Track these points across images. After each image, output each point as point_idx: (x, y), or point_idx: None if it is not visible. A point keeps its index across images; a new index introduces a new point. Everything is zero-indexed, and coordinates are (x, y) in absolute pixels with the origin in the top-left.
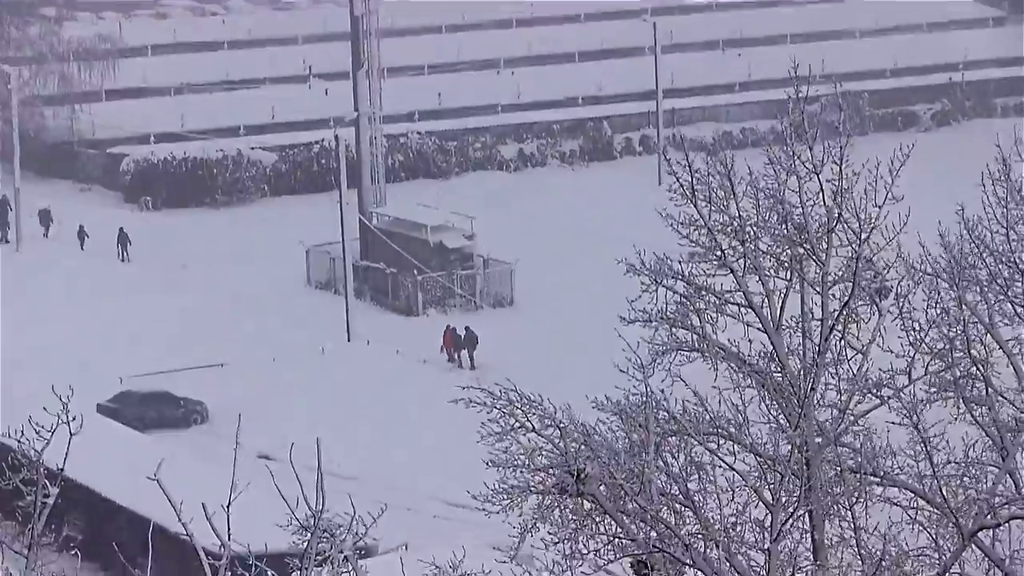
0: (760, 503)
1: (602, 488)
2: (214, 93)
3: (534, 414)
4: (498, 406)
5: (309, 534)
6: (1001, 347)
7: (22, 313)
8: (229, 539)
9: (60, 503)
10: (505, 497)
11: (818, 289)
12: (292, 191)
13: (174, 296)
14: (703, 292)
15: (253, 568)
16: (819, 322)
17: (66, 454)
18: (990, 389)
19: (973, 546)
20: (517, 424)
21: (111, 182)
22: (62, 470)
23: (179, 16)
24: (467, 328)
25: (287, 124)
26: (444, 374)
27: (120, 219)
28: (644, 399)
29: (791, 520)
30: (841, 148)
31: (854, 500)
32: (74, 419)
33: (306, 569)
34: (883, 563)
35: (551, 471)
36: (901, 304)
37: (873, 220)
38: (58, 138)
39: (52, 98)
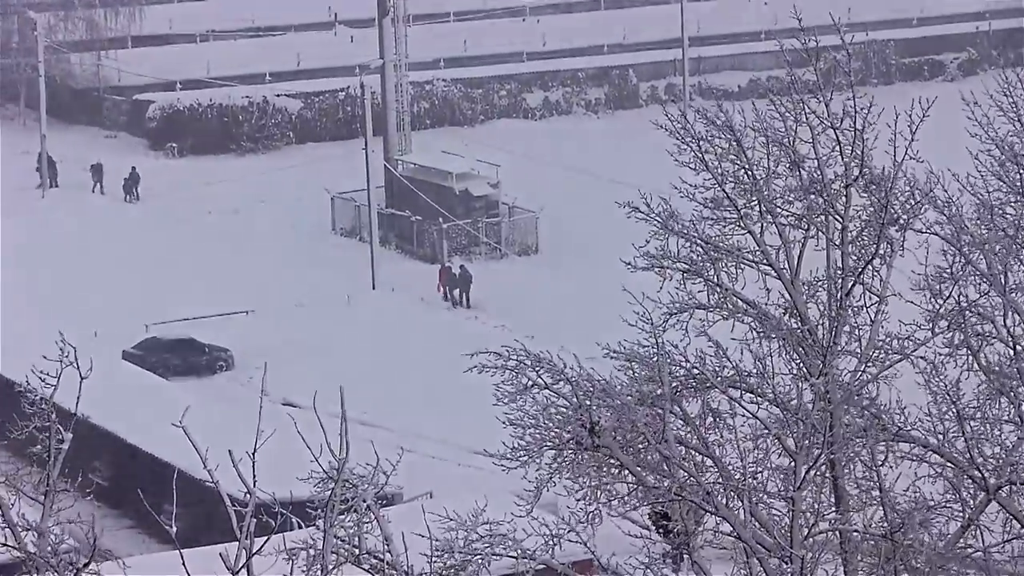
0: (781, 453)
1: (617, 439)
2: (239, 40)
3: (545, 371)
4: (509, 366)
5: (332, 482)
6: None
7: (48, 261)
8: (255, 486)
9: (85, 449)
10: (522, 453)
11: (837, 243)
12: (317, 138)
13: (199, 243)
14: (718, 247)
15: (278, 515)
16: (839, 272)
17: (78, 398)
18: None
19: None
20: (529, 383)
21: (136, 129)
22: (75, 414)
23: None
24: (462, 267)
25: (312, 71)
26: (468, 323)
27: (145, 165)
28: (656, 351)
29: (814, 468)
30: (853, 99)
31: (882, 459)
32: (83, 364)
33: (329, 517)
34: (912, 515)
35: (566, 426)
36: (925, 256)
37: (893, 175)
38: (84, 85)
39: (78, 44)
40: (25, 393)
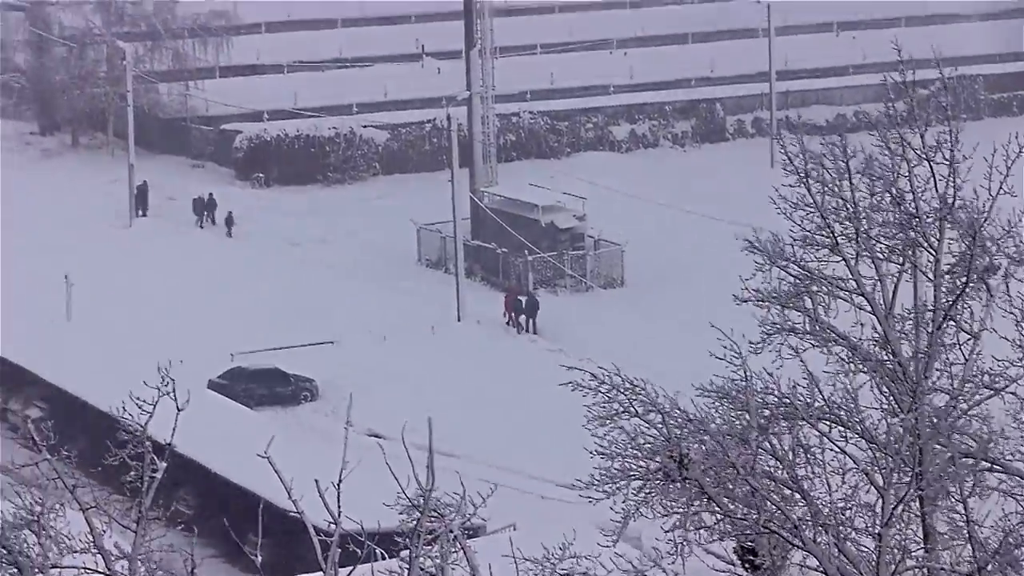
0: (870, 488)
1: (706, 472)
2: (327, 71)
3: (637, 399)
4: (602, 390)
5: (419, 513)
6: None
7: (135, 289)
8: (339, 517)
9: (170, 478)
10: (609, 483)
11: (931, 276)
12: (404, 169)
13: (285, 273)
14: (814, 277)
15: (363, 546)
16: (931, 309)
17: (173, 428)
18: None
19: None
20: (620, 409)
21: (223, 158)
22: (170, 444)
23: None
24: (529, 294)
25: (399, 102)
26: (553, 355)
27: (231, 195)
28: (758, 379)
29: (901, 505)
30: (951, 134)
31: (968, 492)
32: (174, 393)
33: (415, 547)
34: (998, 554)
35: (654, 456)
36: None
37: (987, 210)
38: (171, 114)
39: (166, 74)
40: (120, 422)
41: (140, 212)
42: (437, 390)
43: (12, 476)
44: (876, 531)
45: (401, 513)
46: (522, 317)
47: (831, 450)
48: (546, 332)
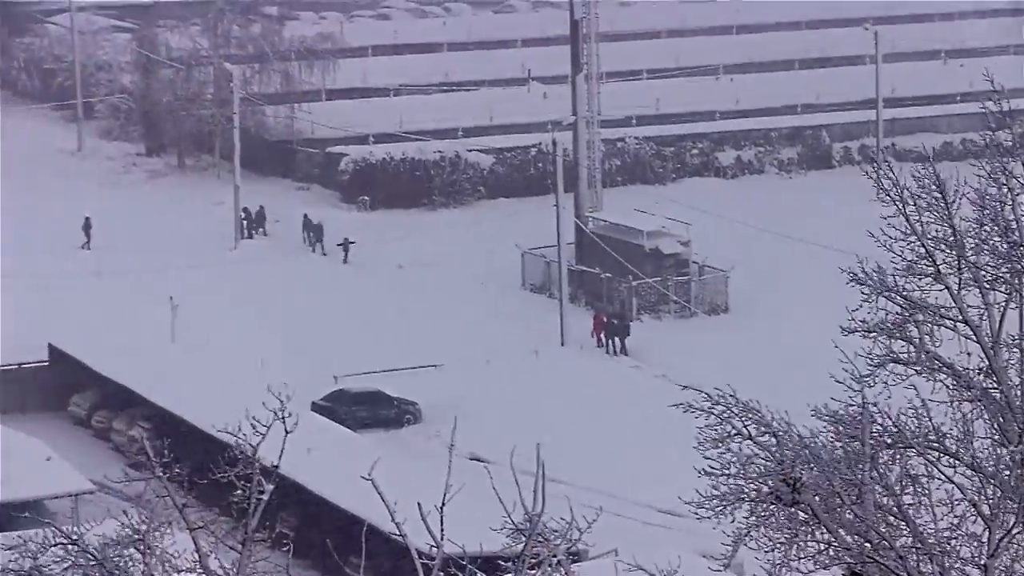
0: (976, 518)
1: (817, 498)
2: (433, 94)
3: (751, 421)
4: (715, 411)
5: (524, 537)
6: None
7: (241, 310)
8: (442, 540)
9: (273, 500)
10: (717, 503)
11: None
12: (508, 194)
13: (389, 296)
14: (919, 306)
15: (466, 569)
16: None
17: (281, 451)
18: None
19: None
20: (734, 431)
21: (329, 181)
22: (277, 467)
23: (400, 17)
24: (621, 315)
25: (505, 126)
26: (657, 381)
27: (337, 218)
28: (861, 410)
29: (1008, 536)
30: None
31: None
32: (289, 415)
33: (520, 572)
34: None
35: (767, 479)
36: None
37: None
38: (277, 136)
39: (273, 97)
40: (229, 443)
41: (257, 232)
42: (540, 414)
43: (117, 495)
44: (982, 562)
45: (506, 537)
46: (614, 338)
47: (938, 479)
48: (650, 358)
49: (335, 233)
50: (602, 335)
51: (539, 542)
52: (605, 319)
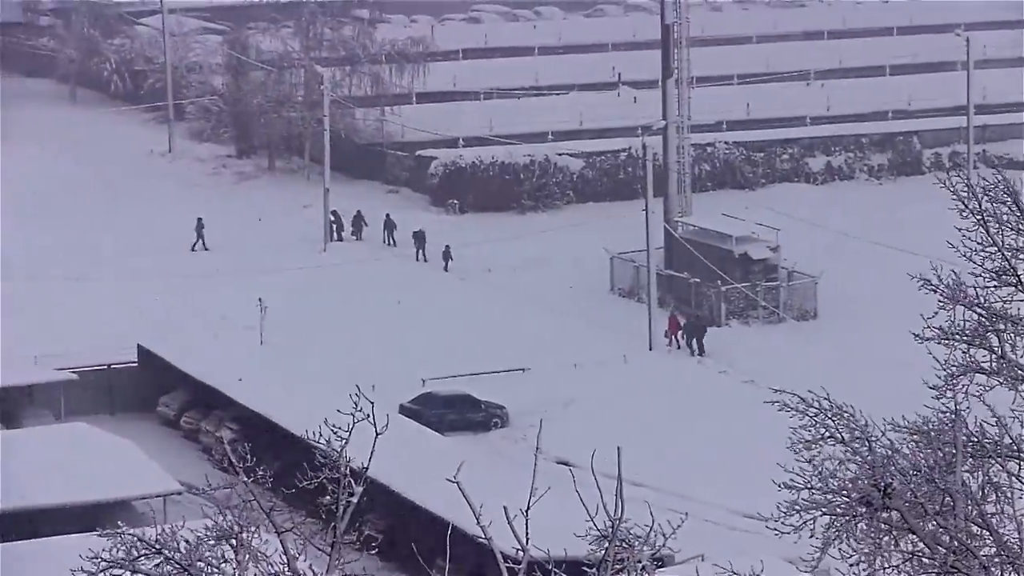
0: None
1: (905, 504)
2: (522, 98)
3: (844, 425)
4: (810, 413)
5: (607, 542)
6: None
7: (330, 313)
8: (527, 543)
9: (361, 502)
10: (797, 517)
11: None
12: (598, 198)
13: (478, 300)
14: (1000, 315)
15: (551, 573)
16: None
17: (371, 453)
18: None
19: None
20: (827, 434)
21: (418, 184)
22: (366, 469)
23: (490, 20)
24: (697, 315)
25: (595, 131)
26: (746, 387)
27: (426, 221)
28: (952, 417)
29: None
30: None
31: None
32: (384, 425)
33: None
34: None
35: (857, 484)
36: None
37: None
38: (367, 139)
39: (363, 100)
40: (317, 446)
41: (355, 236)
42: (627, 419)
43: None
44: None
45: (591, 542)
46: (692, 340)
47: (1020, 490)
48: (738, 363)
49: (430, 238)
50: (678, 336)
51: (624, 547)
52: (682, 320)
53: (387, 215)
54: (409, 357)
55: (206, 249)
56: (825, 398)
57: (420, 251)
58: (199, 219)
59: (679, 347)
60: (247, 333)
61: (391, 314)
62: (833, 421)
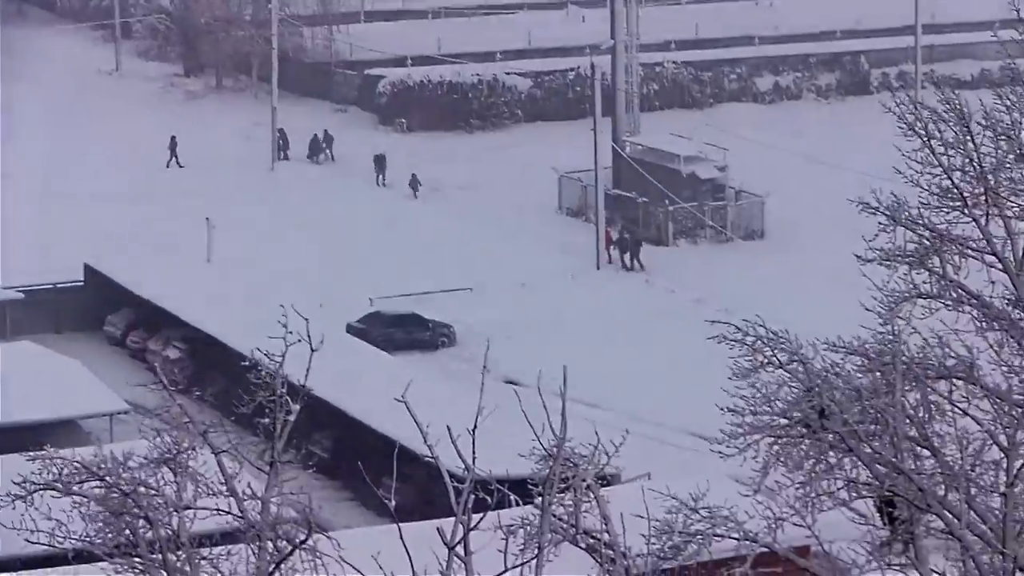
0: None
1: (844, 427)
2: (471, 17)
3: (781, 349)
4: (747, 342)
5: (551, 461)
6: None
7: (275, 233)
8: (473, 463)
9: (308, 421)
10: (742, 440)
11: None
12: (546, 118)
13: (426, 219)
14: (944, 236)
15: (495, 492)
16: None
17: (307, 371)
18: None
19: None
20: (764, 360)
21: (366, 104)
22: (304, 386)
23: None
24: (629, 231)
25: (543, 50)
26: (694, 306)
27: (374, 140)
28: (891, 339)
29: None
30: None
31: None
32: (320, 340)
33: (547, 496)
34: None
35: (795, 407)
36: None
37: None
38: (315, 59)
39: (311, 18)
40: (255, 365)
41: (319, 158)
42: (576, 338)
43: (151, 418)
44: (1001, 491)
45: (536, 462)
46: (626, 254)
47: (959, 409)
48: (686, 282)
49: (369, 155)
50: (611, 250)
51: (569, 466)
52: (614, 235)
53: (325, 131)
54: (357, 277)
55: (180, 166)
56: (761, 324)
57: (380, 176)
58: (172, 137)
59: (610, 261)
60: (195, 252)
61: (339, 233)
62: (770, 347)
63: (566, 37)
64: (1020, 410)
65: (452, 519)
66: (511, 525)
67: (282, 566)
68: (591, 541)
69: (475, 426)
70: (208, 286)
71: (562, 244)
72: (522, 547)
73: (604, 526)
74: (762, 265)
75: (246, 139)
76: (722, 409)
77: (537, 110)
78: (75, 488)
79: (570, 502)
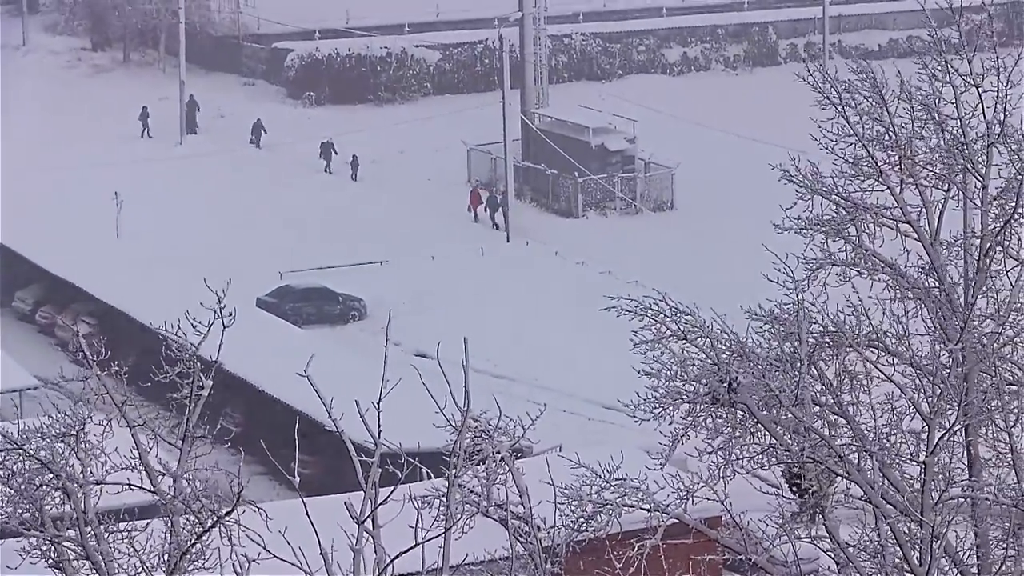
0: (915, 415)
1: (754, 398)
2: None
3: (686, 323)
4: (648, 315)
5: (457, 433)
6: None
7: (185, 207)
8: (380, 436)
9: (217, 396)
10: (656, 405)
11: (978, 203)
12: (455, 90)
13: (335, 193)
14: (859, 206)
15: (404, 465)
16: (979, 236)
17: (219, 346)
18: None
19: None
20: (668, 332)
21: (274, 77)
22: (215, 361)
23: None
24: (492, 192)
25: (451, 23)
26: (603, 278)
27: (282, 114)
28: (796, 309)
29: (948, 434)
30: (997, 59)
31: (1014, 420)
32: (230, 314)
33: (453, 468)
34: None
35: (703, 381)
36: None
37: None
38: (223, 32)
39: None
40: (169, 341)
41: (191, 130)
42: (486, 311)
43: (61, 391)
44: (921, 459)
45: (450, 434)
46: (492, 213)
47: (877, 378)
48: (596, 254)
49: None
50: (479, 209)
51: (483, 438)
52: (484, 195)
53: (258, 119)
54: (266, 250)
55: (150, 137)
56: (663, 300)
57: (328, 164)
58: (144, 108)
59: (476, 219)
60: (104, 227)
61: (248, 207)
62: (675, 322)
63: (474, 9)
64: (932, 379)
65: (360, 493)
66: (425, 496)
67: (203, 538)
68: (503, 514)
69: (379, 399)
70: (117, 261)
71: (472, 217)
72: (435, 520)
73: (520, 498)
74: (672, 236)
75: (152, 113)
76: (639, 372)
77: (446, 83)
78: None
79: (483, 474)
